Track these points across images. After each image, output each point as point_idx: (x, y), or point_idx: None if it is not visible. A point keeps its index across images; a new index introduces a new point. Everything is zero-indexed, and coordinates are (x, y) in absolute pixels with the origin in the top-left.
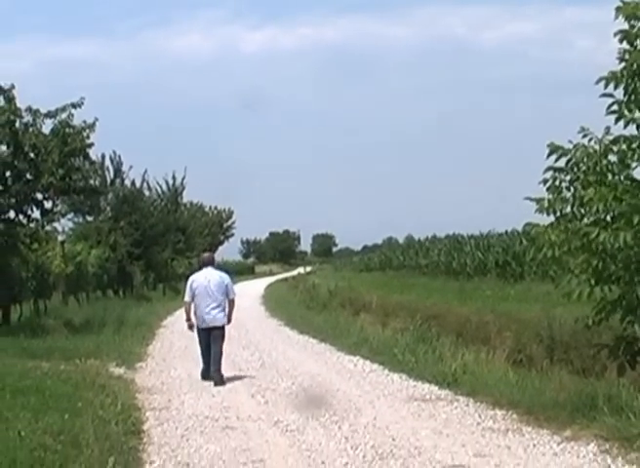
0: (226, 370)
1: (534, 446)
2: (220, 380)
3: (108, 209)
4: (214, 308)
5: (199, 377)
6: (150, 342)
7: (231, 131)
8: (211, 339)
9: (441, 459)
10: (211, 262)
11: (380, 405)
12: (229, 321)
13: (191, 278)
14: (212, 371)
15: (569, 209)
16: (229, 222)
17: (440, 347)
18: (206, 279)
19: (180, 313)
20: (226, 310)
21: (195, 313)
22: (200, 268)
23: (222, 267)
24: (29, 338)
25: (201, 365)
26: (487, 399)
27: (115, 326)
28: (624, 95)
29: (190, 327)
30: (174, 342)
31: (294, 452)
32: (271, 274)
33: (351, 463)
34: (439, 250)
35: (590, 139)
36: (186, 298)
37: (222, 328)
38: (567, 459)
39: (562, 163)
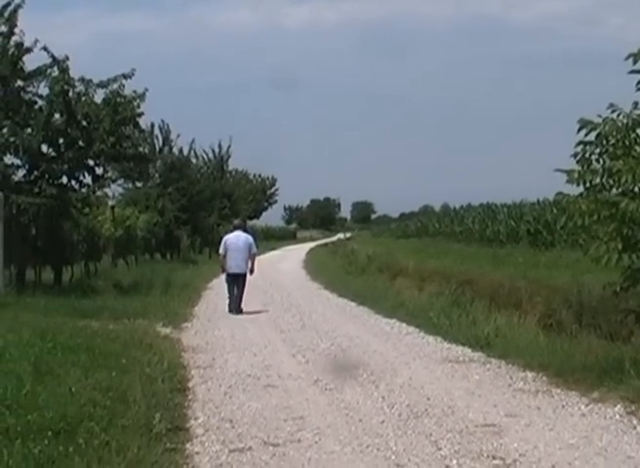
0: (268, 331)
1: (562, 406)
2: (240, 312)
3: (157, 175)
4: (240, 260)
5: (227, 310)
6: (196, 304)
7: (276, 102)
8: (235, 282)
9: (473, 418)
10: (240, 227)
11: (416, 366)
12: (252, 271)
13: (225, 237)
14: (234, 306)
15: (598, 180)
16: (272, 190)
17: (474, 311)
18: (236, 238)
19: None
20: (249, 263)
21: (226, 263)
22: (232, 231)
23: (249, 231)
24: (80, 299)
25: (227, 300)
26: (518, 361)
27: (162, 287)
28: None
29: (223, 271)
30: (218, 304)
31: (332, 410)
32: (312, 240)
33: (387, 421)
34: (473, 218)
35: (619, 114)
36: (221, 251)
37: (245, 275)
38: (594, 420)
39: (592, 137)
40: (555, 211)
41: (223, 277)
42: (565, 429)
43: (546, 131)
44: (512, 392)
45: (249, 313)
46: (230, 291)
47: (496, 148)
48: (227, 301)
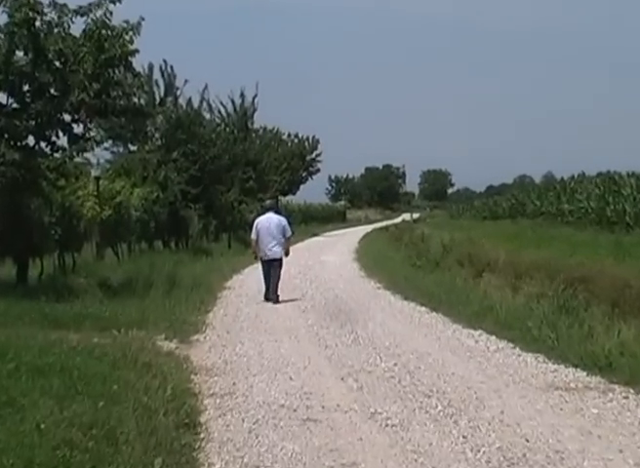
0: (308, 346)
1: None
2: (276, 300)
3: (157, 135)
4: (274, 245)
5: (262, 299)
6: (210, 308)
7: (317, 38)
8: (270, 269)
9: None
10: (272, 208)
11: (509, 394)
12: (287, 253)
13: (256, 220)
14: (270, 294)
15: None
16: (314, 155)
17: (589, 320)
18: (268, 221)
19: (250, 271)
20: (283, 246)
21: (259, 248)
22: (263, 213)
23: (282, 212)
24: (53, 302)
25: (263, 289)
26: None
27: (165, 287)
28: None
29: (255, 258)
30: (241, 308)
31: (396, 454)
32: (367, 221)
33: None
34: (588, 192)
35: None
36: (252, 236)
37: (280, 260)
38: None
39: None
40: None
41: (247, 272)
42: None
43: None
44: None
45: (282, 321)
46: (266, 278)
47: (620, 101)
48: (264, 290)
